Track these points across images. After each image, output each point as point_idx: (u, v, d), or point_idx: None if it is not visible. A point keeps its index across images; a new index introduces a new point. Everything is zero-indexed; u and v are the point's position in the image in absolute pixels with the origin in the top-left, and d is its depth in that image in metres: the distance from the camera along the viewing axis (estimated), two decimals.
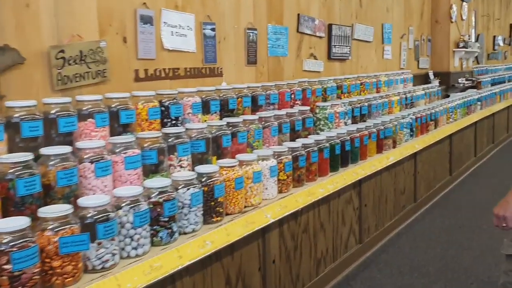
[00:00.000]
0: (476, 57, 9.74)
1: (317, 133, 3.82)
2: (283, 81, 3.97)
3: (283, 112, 3.49)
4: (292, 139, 3.45)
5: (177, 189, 2.35)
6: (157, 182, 2.27)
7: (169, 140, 2.55)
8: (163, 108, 2.74)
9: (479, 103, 7.63)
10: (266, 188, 2.93)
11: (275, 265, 2.95)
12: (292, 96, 3.85)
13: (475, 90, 8.16)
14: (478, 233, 4.70)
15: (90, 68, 2.58)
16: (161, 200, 2.22)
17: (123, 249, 2.09)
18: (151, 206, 2.21)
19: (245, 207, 2.75)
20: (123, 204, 2.09)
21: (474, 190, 6.22)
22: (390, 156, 4.36)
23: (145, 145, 2.43)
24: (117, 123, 2.49)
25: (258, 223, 2.67)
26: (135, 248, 2.11)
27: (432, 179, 5.66)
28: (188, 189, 2.36)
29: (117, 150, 2.29)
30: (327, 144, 3.51)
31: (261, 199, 2.87)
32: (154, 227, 2.22)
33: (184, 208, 2.36)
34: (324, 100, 4.26)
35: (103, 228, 1.95)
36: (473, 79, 8.72)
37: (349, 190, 3.79)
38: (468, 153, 7.14)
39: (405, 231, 4.72)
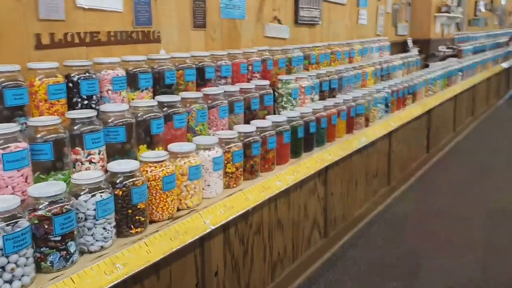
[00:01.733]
0: (457, 24, 9.21)
1: (278, 112, 3.27)
2: (239, 50, 3.35)
3: (235, 88, 2.91)
4: (247, 121, 2.89)
5: (77, 195, 1.78)
6: (45, 188, 1.69)
7: (75, 128, 1.97)
8: (71, 85, 2.13)
9: (460, 73, 7.12)
10: (208, 185, 2.38)
11: (218, 278, 2.42)
12: (250, 68, 3.26)
13: (455, 59, 7.67)
14: (456, 221, 4.26)
15: None
16: (49, 214, 1.64)
17: None
18: (36, 222, 1.63)
19: (178, 210, 2.20)
20: None
21: (452, 168, 5.78)
22: (362, 137, 3.83)
23: (38, 135, 1.84)
24: (3, 106, 1.89)
25: (192, 233, 2.12)
26: (8, 282, 1.55)
27: (407, 158, 5.17)
28: (92, 195, 1.79)
29: None
30: (288, 127, 2.96)
31: (201, 199, 2.31)
32: (42, 249, 1.66)
33: (87, 221, 1.79)
34: (289, 72, 3.68)
35: None
36: (454, 47, 8.21)
37: (313, 179, 3.26)
38: (446, 127, 6.67)
39: (376, 219, 4.24)
